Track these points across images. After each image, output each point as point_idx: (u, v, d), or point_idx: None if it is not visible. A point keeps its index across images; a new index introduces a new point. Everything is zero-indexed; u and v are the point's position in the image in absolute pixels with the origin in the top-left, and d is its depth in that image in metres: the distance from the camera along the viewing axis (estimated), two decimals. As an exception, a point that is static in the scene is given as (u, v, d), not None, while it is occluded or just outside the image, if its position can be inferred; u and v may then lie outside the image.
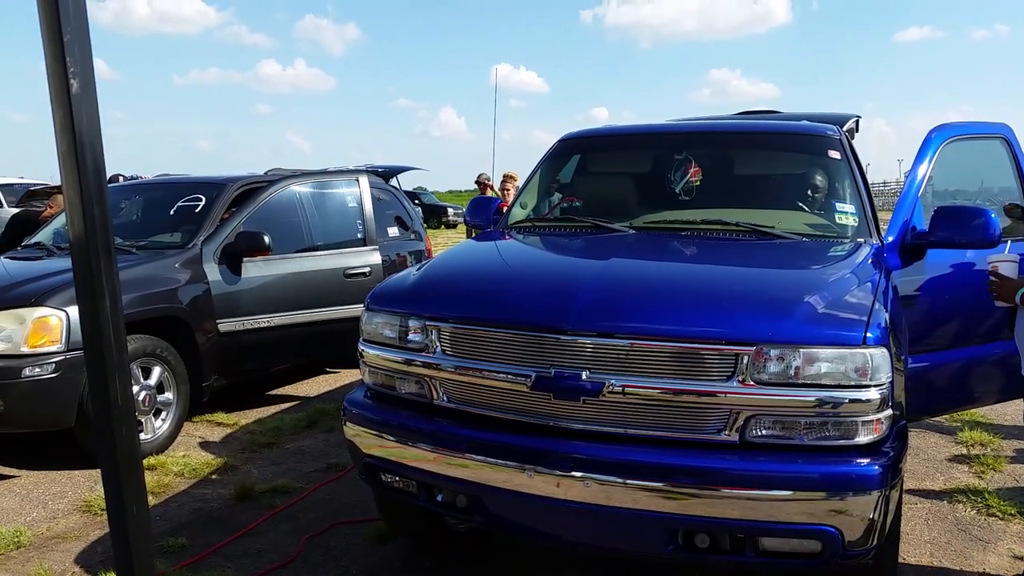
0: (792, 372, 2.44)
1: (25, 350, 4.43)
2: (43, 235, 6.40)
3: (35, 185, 16.40)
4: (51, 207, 7.45)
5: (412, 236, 7.71)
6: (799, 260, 3.31)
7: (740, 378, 2.46)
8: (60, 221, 6.59)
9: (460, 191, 67.69)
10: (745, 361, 2.46)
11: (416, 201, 8.76)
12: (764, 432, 2.49)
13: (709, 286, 2.95)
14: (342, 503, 4.18)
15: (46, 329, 4.50)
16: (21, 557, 3.60)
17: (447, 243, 19.50)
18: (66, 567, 3.50)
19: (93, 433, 4.49)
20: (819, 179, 3.94)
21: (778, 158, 4.23)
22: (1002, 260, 3.22)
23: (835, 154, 3.97)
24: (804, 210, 3.83)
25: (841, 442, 2.47)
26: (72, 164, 1.31)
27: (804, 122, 4.49)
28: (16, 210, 10.56)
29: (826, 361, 2.44)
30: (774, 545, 2.50)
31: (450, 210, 35.08)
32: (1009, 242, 3.42)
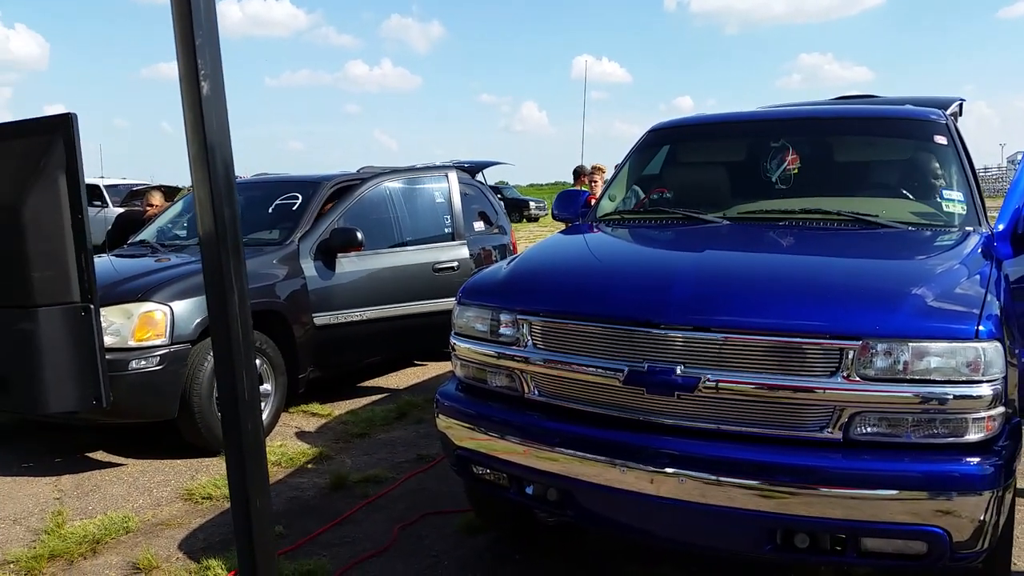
0: (900, 367, 2.34)
1: (132, 343, 4.60)
2: (147, 233, 6.71)
3: (137, 185, 17.32)
4: (149, 207, 7.81)
5: (497, 230, 7.78)
6: (905, 250, 3.18)
7: (845, 373, 2.37)
8: (163, 220, 6.90)
9: (541, 184, 67.78)
10: (850, 356, 2.36)
11: (499, 195, 8.78)
12: (869, 429, 2.39)
13: (810, 278, 2.85)
14: (433, 493, 4.24)
15: (152, 323, 4.68)
16: (129, 541, 3.78)
17: (529, 236, 19.55)
18: (171, 552, 3.65)
19: (196, 423, 4.76)
20: (925, 165, 3.77)
21: (881, 144, 4.07)
22: None
23: (941, 139, 3.79)
24: (909, 198, 3.67)
25: (950, 440, 2.36)
26: (203, 165, 1.36)
27: (908, 106, 4.31)
28: (121, 209, 11.14)
29: (936, 356, 2.33)
30: (877, 546, 2.41)
31: (531, 204, 35.17)
32: None
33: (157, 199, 7.89)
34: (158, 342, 4.68)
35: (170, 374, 4.68)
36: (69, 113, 1.59)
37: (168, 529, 3.93)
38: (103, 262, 5.81)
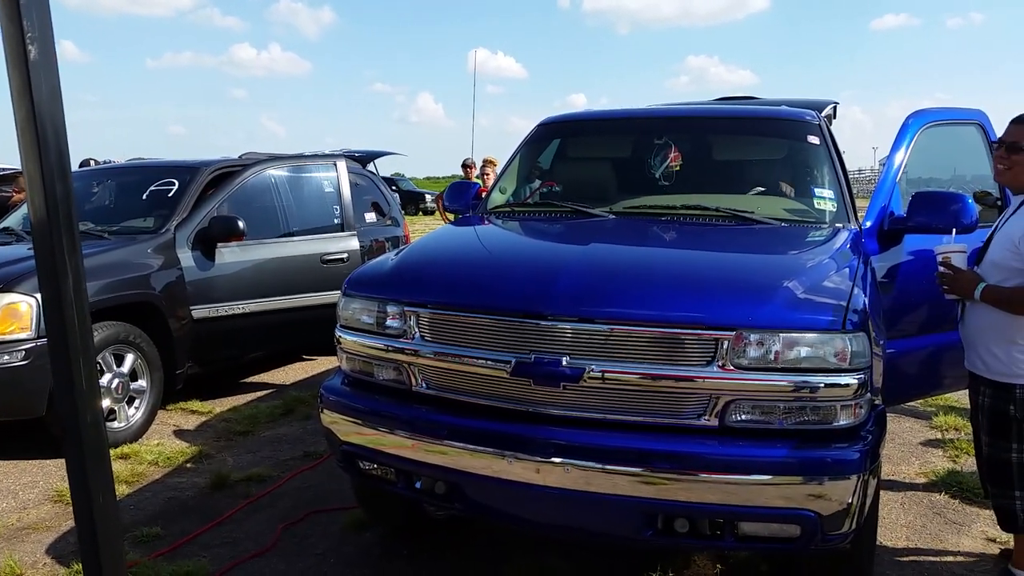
0: (772, 357, 2.44)
1: (-7, 337, 4.33)
2: (12, 220, 6.27)
3: (5, 170, 16.15)
4: (16, 191, 7.30)
5: (389, 222, 7.66)
6: (778, 245, 3.31)
7: (720, 363, 2.45)
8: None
9: (438, 177, 67.57)
10: (725, 346, 2.45)
11: (394, 187, 8.67)
12: (744, 417, 2.48)
13: (689, 271, 2.93)
14: (319, 491, 4.15)
15: (15, 316, 4.41)
16: (-10, 548, 3.54)
17: (425, 229, 19.41)
18: (37, 558, 3.44)
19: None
20: (798, 164, 3.95)
21: (757, 143, 4.23)
22: (952, 251, 3.10)
23: (814, 139, 3.97)
24: (783, 195, 3.83)
25: (820, 427, 2.47)
26: (32, 137, 1.25)
27: (783, 107, 4.50)
28: None
29: (806, 346, 2.44)
30: (753, 529, 2.50)
31: (427, 196, 34.99)
32: (954, 232, 3.39)
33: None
34: (23, 335, 4.41)
35: (37, 369, 4.40)
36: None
37: (35, 533, 3.71)
38: (-39, 250, 5.39)
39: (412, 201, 33.11)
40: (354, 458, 3.02)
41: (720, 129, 4.32)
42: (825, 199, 3.73)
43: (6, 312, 4.39)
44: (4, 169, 16.49)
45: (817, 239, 3.34)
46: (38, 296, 4.42)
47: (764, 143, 4.23)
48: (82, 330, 1.32)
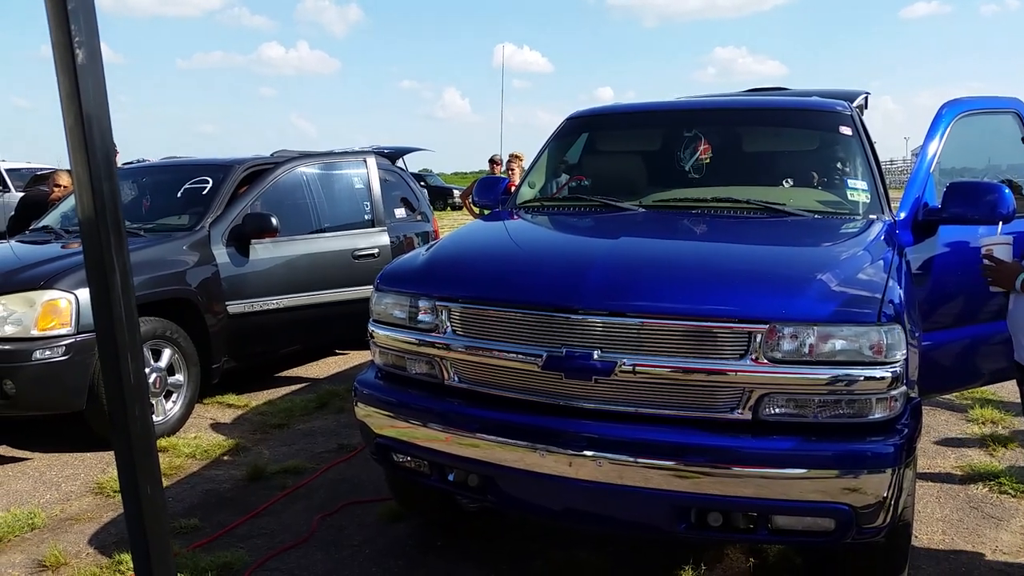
0: (806, 350, 2.43)
1: (35, 333, 4.43)
2: (51, 218, 6.41)
3: (41, 169, 16.51)
4: (56, 188, 7.45)
5: (419, 217, 7.72)
6: (811, 237, 3.29)
7: (753, 356, 2.44)
8: (67, 204, 6.60)
9: (465, 172, 67.66)
10: (758, 339, 2.44)
11: (422, 183, 8.72)
12: (777, 410, 2.48)
13: (721, 264, 2.93)
14: (353, 483, 4.20)
15: (56, 312, 4.50)
16: (35, 539, 3.63)
17: (453, 224, 19.47)
18: (80, 548, 3.52)
19: (106, 415, 4.59)
20: (831, 155, 3.91)
21: (789, 135, 4.20)
22: (996, 243, 3.07)
23: (846, 130, 3.94)
24: (815, 187, 3.80)
25: (855, 420, 2.46)
26: (79, 138, 1.29)
27: (815, 98, 4.45)
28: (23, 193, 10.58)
29: (840, 339, 2.43)
30: (787, 523, 2.50)
31: (455, 192, 35.05)
32: (1000, 224, 3.34)
33: (65, 180, 7.53)
34: (63, 331, 4.49)
35: (76, 365, 4.49)
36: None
37: (77, 524, 3.79)
38: (3, 248, 5.54)
39: (440, 196, 33.21)
40: (388, 451, 3.06)
41: (750, 121, 4.29)
42: (858, 190, 3.69)
43: (47, 309, 4.48)
44: (41, 169, 16.88)
45: (851, 231, 3.31)
46: (78, 293, 4.53)
47: (795, 134, 4.20)
48: (130, 326, 1.36)
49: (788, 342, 2.44)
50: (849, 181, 3.77)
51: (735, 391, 2.48)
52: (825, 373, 2.42)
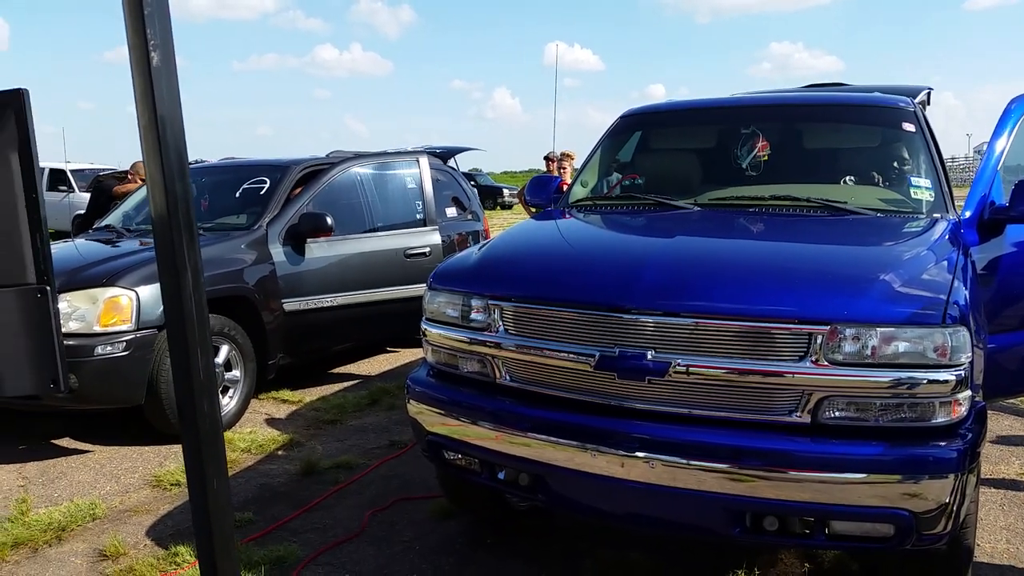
0: (868, 352, 2.37)
1: (97, 329, 4.54)
2: (113, 217, 6.60)
3: (104, 170, 17.08)
4: (132, 180, 7.76)
5: (470, 216, 7.76)
6: (874, 236, 3.21)
7: (813, 358, 2.38)
8: (129, 204, 6.79)
9: (515, 172, 67.74)
10: (819, 341, 2.38)
11: (472, 182, 8.75)
12: (838, 413, 2.42)
13: (780, 263, 2.87)
14: (404, 479, 4.23)
15: (117, 309, 4.62)
16: (96, 528, 3.73)
17: (503, 224, 19.52)
18: (139, 539, 3.61)
19: (164, 409, 4.71)
20: (893, 152, 3.81)
21: (850, 131, 4.11)
22: None
23: (910, 127, 3.83)
24: (878, 185, 3.71)
25: (918, 424, 2.39)
26: (153, 139, 1.32)
27: (876, 94, 4.34)
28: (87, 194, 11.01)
29: (904, 341, 2.36)
30: (845, 528, 2.44)
31: (505, 191, 35.13)
32: None
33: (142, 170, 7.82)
34: (124, 327, 4.61)
35: (136, 360, 4.61)
36: (20, 88, 1.53)
37: (136, 516, 3.88)
38: (68, 247, 5.71)
39: (490, 195, 33.32)
40: (439, 448, 3.08)
41: (810, 117, 4.20)
42: (922, 188, 3.59)
43: (109, 305, 4.60)
44: (104, 169, 17.42)
45: (914, 230, 3.22)
46: (139, 290, 4.65)
47: (857, 131, 4.10)
48: (200, 322, 1.39)
49: (850, 344, 2.38)
50: (912, 179, 3.66)
51: (794, 394, 2.43)
52: (887, 376, 2.36)
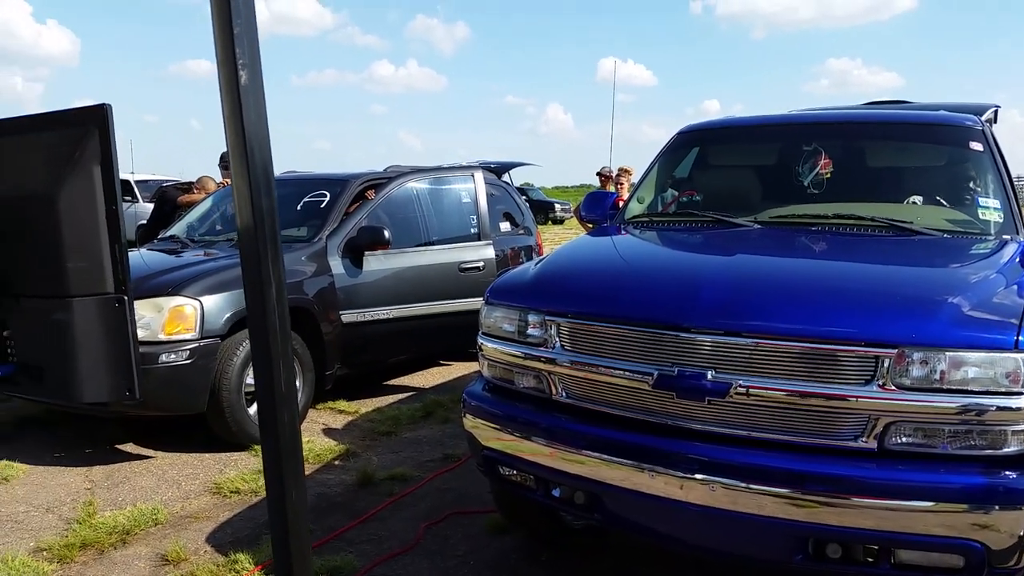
0: (937, 377, 2.30)
1: (162, 337, 4.65)
2: (177, 228, 6.78)
3: (167, 181, 17.55)
4: (197, 191, 7.98)
5: (523, 231, 7.78)
6: (941, 257, 3.14)
7: (880, 382, 2.33)
8: (194, 215, 6.96)
9: (567, 187, 67.59)
10: (886, 364, 2.33)
11: (524, 197, 8.79)
12: (905, 439, 2.35)
13: (844, 284, 2.81)
14: (458, 493, 4.25)
15: (182, 317, 4.72)
16: (158, 533, 3.82)
17: (555, 238, 19.50)
18: (199, 545, 3.69)
19: (225, 417, 4.80)
20: (960, 172, 3.72)
21: (916, 149, 4.02)
22: None
23: (977, 146, 3.73)
24: (944, 204, 3.62)
25: (988, 452, 2.31)
26: (241, 156, 1.36)
27: (943, 112, 4.24)
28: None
29: (974, 365, 2.29)
30: (912, 558, 2.37)
31: (557, 206, 35.11)
32: None
33: (210, 187, 8.02)
34: (188, 336, 4.71)
35: (199, 368, 4.71)
36: (104, 104, 1.58)
37: (196, 522, 3.96)
38: (134, 256, 5.87)
39: (542, 210, 33.33)
40: (494, 463, 3.08)
41: (874, 135, 4.12)
42: (990, 209, 3.49)
43: (174, 314, 4.71)
44: (167, 180, 17.89)
45: (983, 251, 3.14)
46: (203, 299, 4.76)
47: (922, 149, 4.01)
48: (283, 335, 1.42)
49: (918, 368, 2.32)
50: (980, 199, 3.57)
51: (859, 418, 2.37)
52: (956, 402, 2.29)
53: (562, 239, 18.88)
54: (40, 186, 1.65)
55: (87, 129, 1.57)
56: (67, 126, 1.62)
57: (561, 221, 33.34)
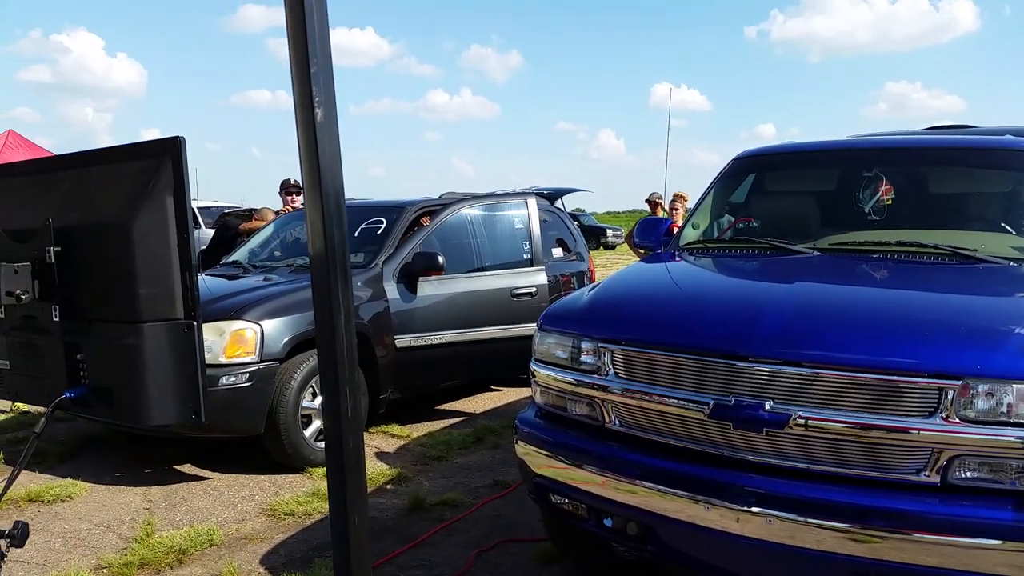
0: (1004, 409, 2.23)
1: (223, 360, 4.75)
2: (239, 254, 6.96)
3: (228, 208, 18.06)
4: (256, 220, 8.19)
5: (575, 257, 7.78)
6: (1007, 287, 3.04)
7: (944, 415, 2.26)
8: (255, 241, 7.14)
9: (618, 212, 67.44)
10: (950, 396, 2.26)
11: (576, 222, 8.82)
12: (970, 474, 2.28)
13: (907, 313, 2.74)
14: (509, 520, 4.23)
15: (242, 341, 4.83)
16: (214, 554, 3.88)
17: (607, 264, 19.45)
18: (253, 567, 3.73)
19: (281, 439, 4.88)
20: (1028, 198, 3.60)
21: (980, 175, 3.91)
22: None
23: (1046, 171, 3.62)
24: (1010, 232, 3.51)
25: None
26: (315, 188, 1.41)
27: (1008, 137, 4.13)
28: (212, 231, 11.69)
29: None
30: None
31: (608, 231, 35.06)
32: None
33: (271, 216, 8.24)
34: (248, 359, 4.81)
35: (258, 391, 4.80)
36: (178, 136, 1.65)
37: (251, 544, 4.02)
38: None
39: (593, 236, 33.28)
40: (546, 491, 3.06)
41: (937, 160, 4.03)
42: None
43: (235, 338, 4.83)
44: (228, 207, 18.39)
45: (1052, 280, 3.03)
46: (263, 323, 4.87)
47: (987, 175, 3.91)
48: (350, 363, 1.45)
49: (983, 400, 2.25)
50: (1049, 227, 3.45)
51: (922, 452, 2.31)
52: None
53: (614, 264, 18.81)
54: (116, 214, 1.72)
55: (162, 160, 1.64)
56: (144, 157, 1.69)
57: (613, 247, 33.25)
